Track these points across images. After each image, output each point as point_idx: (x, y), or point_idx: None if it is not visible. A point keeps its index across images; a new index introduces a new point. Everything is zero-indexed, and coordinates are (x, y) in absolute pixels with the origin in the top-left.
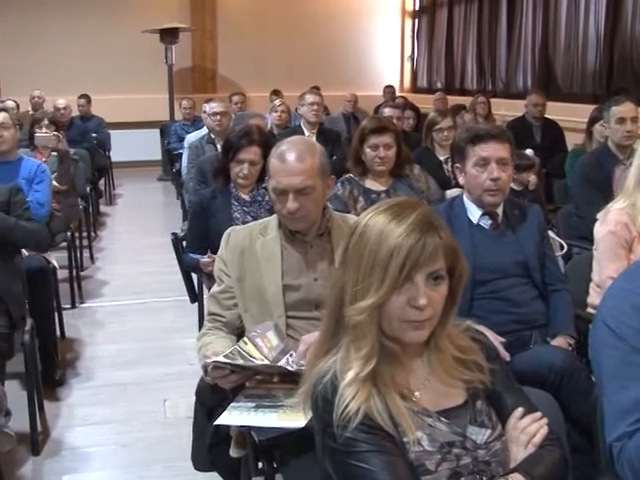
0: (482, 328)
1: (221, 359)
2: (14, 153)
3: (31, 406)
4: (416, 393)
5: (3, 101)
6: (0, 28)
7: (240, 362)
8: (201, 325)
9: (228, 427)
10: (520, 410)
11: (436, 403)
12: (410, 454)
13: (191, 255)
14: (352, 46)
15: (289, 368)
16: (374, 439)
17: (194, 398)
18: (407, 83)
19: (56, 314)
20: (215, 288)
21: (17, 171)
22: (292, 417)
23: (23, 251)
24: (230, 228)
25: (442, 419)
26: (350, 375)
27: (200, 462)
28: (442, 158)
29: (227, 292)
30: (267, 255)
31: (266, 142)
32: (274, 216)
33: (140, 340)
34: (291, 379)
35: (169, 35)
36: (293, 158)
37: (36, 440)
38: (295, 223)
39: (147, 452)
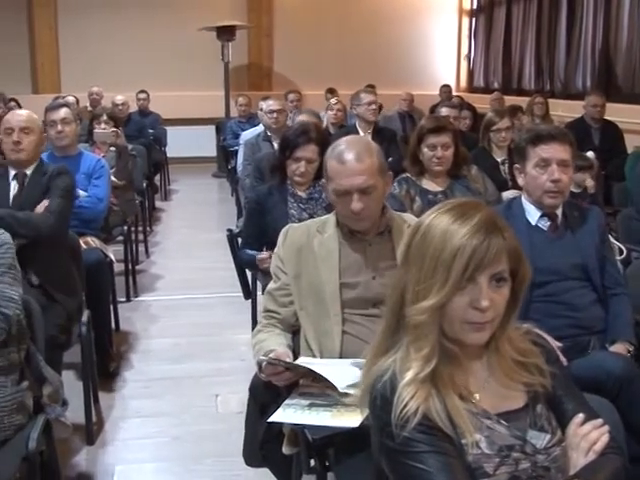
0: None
1: (276, 359)
2: (75, 148)
3: (86, 397)
4: (475, 395)
5: (63, 97)
6: (61, 26)
7: (292, 363)
8: (254, 322)
9: (281, 424)
10: (581, 416)
11: (495, 405)
12: (468, 456)
13: (247, 252)
14: (408, 45)
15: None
16: (432, 440)
17: (246, 394)
18: (463, 82)
19: (111, 307)
20: (271, 285)
21: (77, 166)
22: (346, 416)
23: (82, 244)
24: (288, 225)
25: (501, 422)
26: (409, 375)
27: (251, 458)
28: (499, 159)
29: (283, 289)
30: (325, 253)
31: (323, 140)
32: (332, 214)
33: (193, 335)
34: None
35: (226, 33)
36: (352, 158)
37: (90, 430)
38: (359, 223)
39: (198, 446)
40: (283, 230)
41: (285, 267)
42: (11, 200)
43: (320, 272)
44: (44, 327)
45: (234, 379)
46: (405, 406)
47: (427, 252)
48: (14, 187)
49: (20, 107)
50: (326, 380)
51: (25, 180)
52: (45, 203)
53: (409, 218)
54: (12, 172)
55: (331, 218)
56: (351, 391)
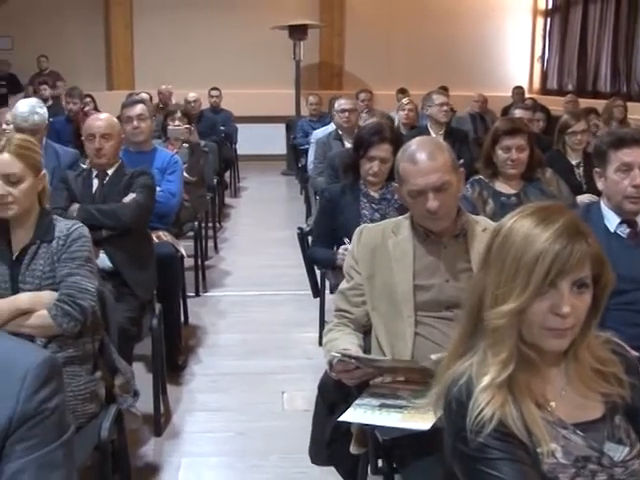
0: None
1: (347, 353)
2: (149, 143)
3: (156, 389)
4: (552, 403)
5: (137, 94)
6: (136, 25)
7: (365, 357)
8: (322, 321)
9: (349, 423)
10: None
11: (572, 415)
12: (543, 465)
13: (320, 249)
14: (481, 45)
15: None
16: (507, 447)
17: (312, 392)
18: (536, 84)
19: (181, 301)
20: (344, 284)
21: (152, 161)
22: (417, 419)
23: (154, 238)
24: (362, 225)
25: (578, 432)
26: (486, 380)
27: (318, 456)
28: (574, 162)
29: (356, 289)
30: (399, 254)
31: (397, 139)
32: (407, 215)
33: (260, 331)
34: (415, 380)
35: (298, 31)
36: (425, 157)
37: (158, 422)
38: (437, 222)
39: (263, 442)
40: (357, 230)
41: (359, 267)
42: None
43: (394, 273)
44: (117, 319)
45: (300, 377)
46: (481, 411)
47: (508, 256)
48: (95, 185)
49: (95, 103)
50: (404, 361)
51: (105, 179)
52: (130, 197)
53: (484, 221)
54: (95, 171)
55: (406, 219)
56: (431, 360)
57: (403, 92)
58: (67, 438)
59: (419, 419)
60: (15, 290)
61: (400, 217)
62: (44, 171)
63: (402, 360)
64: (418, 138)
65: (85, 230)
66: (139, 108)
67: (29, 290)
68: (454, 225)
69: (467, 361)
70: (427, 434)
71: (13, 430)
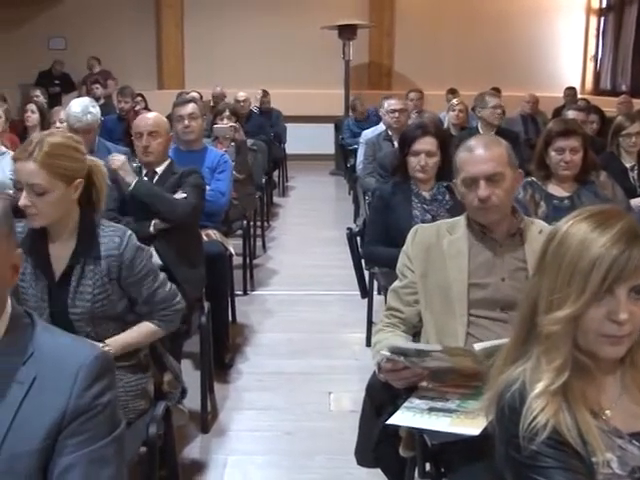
0: None
1: (397, 345)
2: (200, 142)
3: (203, 386)
4: (607, 412)
5: (187, 93)
6: (187, 25)
7: (415, 347)
8: (370, 321)
9: (397, 426)
10: None
11: (628, 424)
12: (598, 475)
13: (382, 247)
14: (532, 45)
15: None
16: (561, 455)
17: (359, 393)
18: (589, 84)
19: (229, 299)
20: (397, 283)
21: (202, 160)
22: (467, 424)
23: (204, 236)
24: (417, 225)
25: (634, 442)
26: (540, 386)
27: (364, 458)
28: (628, 165)
29: (409, 287)
30: (454, 253)
31: (442, 134)
32: (463, 215)
33: (307, 331)
34: (465, 383)
35: (347, 31)
36: (481, 148)
37: (205, 419)
38: (486, 214)
39: (310, 442)
40: (412, 229)
41: (412, 265)
42: None
43: (448, 271)
44: None
45: (347, 378)
46: (534, 418)
47: (563, 260)
48: None
49: (146, 102)
50: (455, 348)
51: (155, 177)
52: (180, 195)
53: (540, 224)
54: (144, 170)
55: (461, 219)
56: (481, 347)
57: (453, 92)
58: (118, 434)
59: (469, 424)
60: (60, 311)
61: (456, 217)
62: (81, 179)
63: (453, 347)
64: (479, 135)
65: (134, 238)
66: (190, 107)
67: (81, 313)
68: (510, 224)
69: (520, 367)
70: (477, 440)
71: (66, 425)
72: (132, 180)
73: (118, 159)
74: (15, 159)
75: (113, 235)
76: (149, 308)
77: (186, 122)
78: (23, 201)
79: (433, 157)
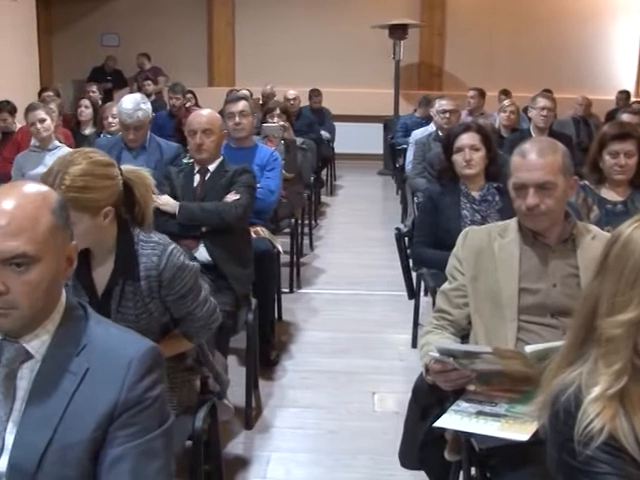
0: None
1: (446, 346)
2: (250, 140)
3: (248, 382)
4: None
5: (238, 90)
6: (238, 22)
7: (465, 348)
8: (416, 322)
9: (443, 429)
10: None
11: None
12: None
13: (431, 250)
14: (585, 46)
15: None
16: (617, 462)
17: (403, 394)
18: None
19: (275, 297)
20: (446, 285)
21: (252, 157)
22: (516, 428)
23: (252, 234)
24: (468, 227)
25: None
26: (597, 390)
27: (408, 460)
28: None
29: (459, 290)
30: (505, 257)
31: (485, 131)
32: (514, 219)
33: (352, 331)
34: (513, 387)
35: (398, 31)
36: (534, 154)
37: (249, 415)
38: (534, 221)
39: (353, 442)
40: (463, 231)
41: (463, 268)
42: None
43: (499, 275)
44: None
45: (392, 378)
46: (590, 423)
47: (627, 264)
48: (197, 180)
49: (196, 99)
50: (506, 350)
51: (207, 175)
52: (232, 196)
53: (594, 229)
54: (197, 167)
55: (513, 222)
56: (532, 349)
57: (506, 93)
58: (167, 427)
59: (518, 429)
60: None
61: (507, 220)
62: (109, 207)
63: (504, 349)
64: (536, 137)
65: (175, 257)
66: (241, 104)
67: None
68: (562, 229)
69: (576, 370)
70: (525, 445)
71: (117, 416)
72: (173, 209)
73: (156, 198)
74: None
75: (152, 254)
76: (185, 324)
77: (237, 119)
78: None
79: (477, 151)
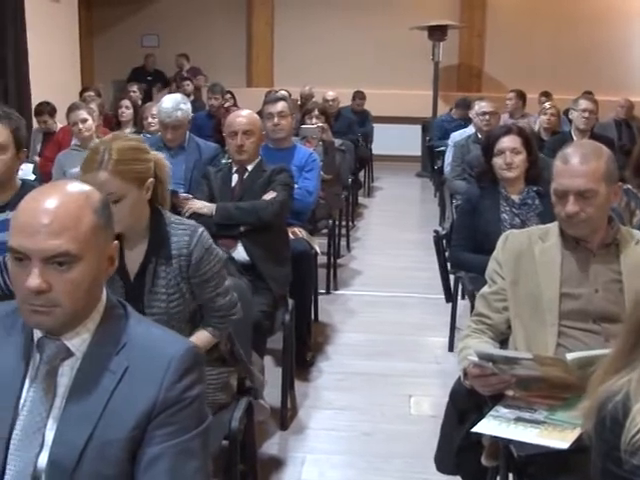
0: None
1: (485, 351)
2: (289, 140)
3: (284, 383)
4: None
5: (277, 91)
6: (277, 23)
7: (505, 354)
8: (453, 326)
9: (481, 434)
10: None
11: None
12: None
13: (470, 254)
14: (628, 47)
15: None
16: None
17: (439, 397)
18: None
19: (312, 297)
20: (486, 289)
21: (291, 158)
22: (555, 436)
23: (290, 234)
24: (509, 231)
25: None
26: None
27: (444, 464)
28: None
29: (499, 294)
30: (546, 261)
31: (526, 134)
32: (555, 222)
33: (389, 333)
34: (553, 393)
35: (437, 32)
36: (577, 160)
37: (285, 416)
38: (574, 228)
39: (388, 444)
40: (503, 235)
41: (503, 271)
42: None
43: (539, 280)
44: (252, 312)
45: (428, 382)
46: (638, 432)
47: None
48: (235, 180)
49: (235, 99)
50: (546, 357)
51: (245, 175)
52: (269, 195)
53: (638, 234)
54: (235, 167)
55: (554, 226)
56: (574, 357)
57: (547, 95)
58: (205, 427)
59: (557, 436)
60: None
61: (549, 224)
62: (152, 179)
63: (544, 356)
64: (581, 140)
65: (205, 238)
66: (280, 105)
67: (157, 314)
68: (605, 234)
69: (625, 377)
70: (565, 453)
71: (155, 415)
72: (210, 211)
73: (192, 204)
74: (84, 171)
75: (183, 234)
76: (206, 312)
77: (276, 120)
78: None
79: (518, 154)
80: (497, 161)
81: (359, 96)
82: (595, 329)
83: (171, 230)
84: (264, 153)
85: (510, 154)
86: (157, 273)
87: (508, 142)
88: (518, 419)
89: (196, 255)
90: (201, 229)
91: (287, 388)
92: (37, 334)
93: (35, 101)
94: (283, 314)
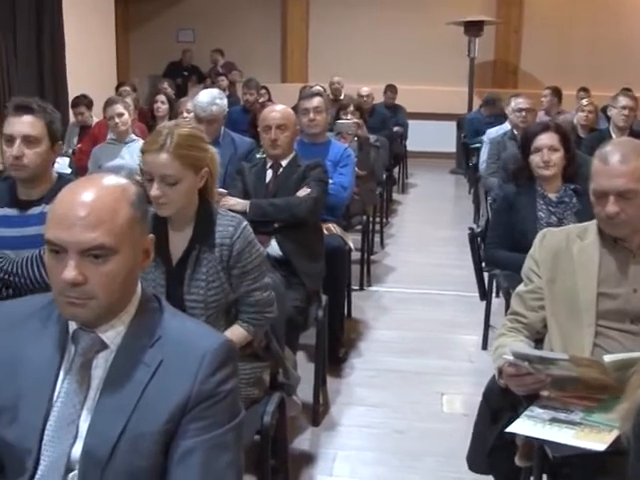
0: None
1: (521, 350)
2: (324, 136)
3: (316, 379)
4: None
5: (311, 86)
6: (312, 19)
7: (541, 354)
8: (487, 324)
9: (514, 434)
10: None
11: None
12: None
13: (505, 252)
14: None
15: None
16: None
17: (472, 396)
18: None
19: (345, 294)
20: (522, 287)
21: (326, 153)
22: (592, 437)
23: (324, 230)
24: (546, 229)
25: None
26: None
27: (477, 463)
28: None
29: (535, 292)
30: (584, 260)
31: (563, 131)
32: (594, 221)
33: (422, 330)
34: (589, 394)
35: (474, 28)
36: (616, 159)
37: (317, 412)
38: (614, 228)
39: (420, 442)
40: (540, 233)
41: (540, 270)
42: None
43: (577, 279)
44: (285, 307)
45: (461, 380)
46: None
47: None
48: (269, 176)
49: (269, 95)
50: (583, 358)
51: (279, 170)
52: (303, 191)
53: None
54: (269, 162)
55: (593, 225)
56: (611, 359)
57: (585, 91)
58: (238, 422)
59: (594, 438)
60: (173, 298)
61: (587, 222)
62: (207, 168)
63: (580, 357)
64: (621, 139)
65: (248, 231)
66: (316, 100)
67: (195, 300)
68: None
69: None
70: (601, 455)
71: (189, 409)
72: (243, 208)
73: (226, 200)
74: (145, 151)
75: (228, 224)
76: (242, 307)
77: (311, 115)
78: (155, 192)
79: (556, 152)
80: (534, 159)
81: (391, 89)
82: (633, 329)
83: (217, 220)
84: (299, 148)
85: (547, 152)
86: (199, 260)
87: (545, 139)
88: (553, 420)
89: (238, 247)
90: (245, 222)
91: (319, 384)
92: (72, 326)
93: (72, 95)
94: (316, 310)
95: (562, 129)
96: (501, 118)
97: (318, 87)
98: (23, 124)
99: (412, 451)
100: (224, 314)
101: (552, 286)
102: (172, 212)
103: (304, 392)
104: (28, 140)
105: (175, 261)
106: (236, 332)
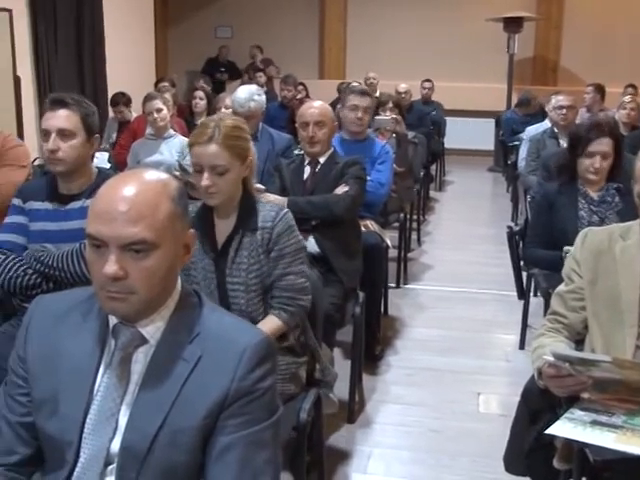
0: None
1: (562, 351)
2: (364, 133)
3: (352, 376)
4: None
5: (349, 83)
6: (350, 17)
7: (582, 356)
8: (525, 323)
9: (553, 435)
10: None
11: None
12: None
13: (544, 251)
14: None
15: None
16: None
17: (509, 397)
18: None
19: (382, 291)
20: (562, 287)
21: (365, 150)
22: (634, 441)
23: (362, 227)
24: (587, 228)
25: None
26: None
27: (513, 465)
28: None
29: (576, 293)
30: (627, 260)
31: (616, 134)
32: (637, 220)
33: (459, 329)
34: (632, 397)
35: (513, 24)
36: None
37: (352, 409)
38: None
39: (455, 442)
40: (582, 232)
41: (581, 270)
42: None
43: (619, 279)
44: (323, 304)
45: (498, 380)
46: None
47: None
48: (307, 172)
49: (307, 91)
50: (626, 361)
51: (317, 167)
52: (342, 188)
53: None
54: (307, 158)
55: (636, 225)
56: None
57: (633, 87)
58: (276, 419)
59: (636, 442)
60: (221, 282)
61: (630, 222)
62: (251, 157)
63: (624, 360)
64: None
65: (289, 217)
66: (368, 101)
67: (237, 283)
68: None
69: None
70: None
71: (227, 405)
72: (281, 204)
73: (263, 197)
74: (193, 144)
75: (270, 210)
76: (275, 292)
77: (360, 114)
78: (205, 182)
79: (608, 159)
80: (584, 162)
81: (426, 84)
82: None
83: (260, 207)
84: (340, 145)
85: (600, 160)
86: (242, 244)
87: (601, 146)
88: (594, 422)
89: (278, 230)
90: (287, 210)
91: (355, 381)
92: (112, 320)
93: (111, 90)
94: (353, 307)
95: (617, 132)
96: (537, 117)
97: (355, 84)
98: (58, 118)
99: (447, 450)
100: (262, 298)
101: (593, 286)
102: (221, 201)
103: (340, 389)
104: (63, 134)
105: (219, 246)
106: (269, 323)
